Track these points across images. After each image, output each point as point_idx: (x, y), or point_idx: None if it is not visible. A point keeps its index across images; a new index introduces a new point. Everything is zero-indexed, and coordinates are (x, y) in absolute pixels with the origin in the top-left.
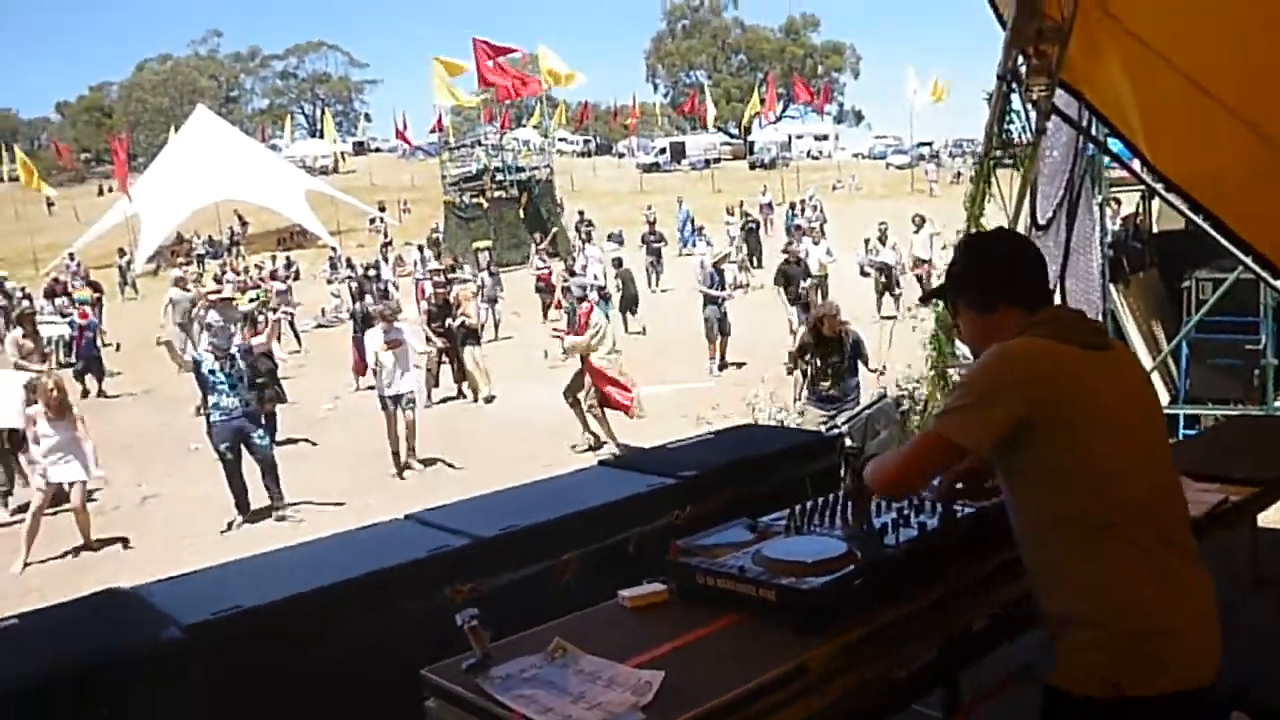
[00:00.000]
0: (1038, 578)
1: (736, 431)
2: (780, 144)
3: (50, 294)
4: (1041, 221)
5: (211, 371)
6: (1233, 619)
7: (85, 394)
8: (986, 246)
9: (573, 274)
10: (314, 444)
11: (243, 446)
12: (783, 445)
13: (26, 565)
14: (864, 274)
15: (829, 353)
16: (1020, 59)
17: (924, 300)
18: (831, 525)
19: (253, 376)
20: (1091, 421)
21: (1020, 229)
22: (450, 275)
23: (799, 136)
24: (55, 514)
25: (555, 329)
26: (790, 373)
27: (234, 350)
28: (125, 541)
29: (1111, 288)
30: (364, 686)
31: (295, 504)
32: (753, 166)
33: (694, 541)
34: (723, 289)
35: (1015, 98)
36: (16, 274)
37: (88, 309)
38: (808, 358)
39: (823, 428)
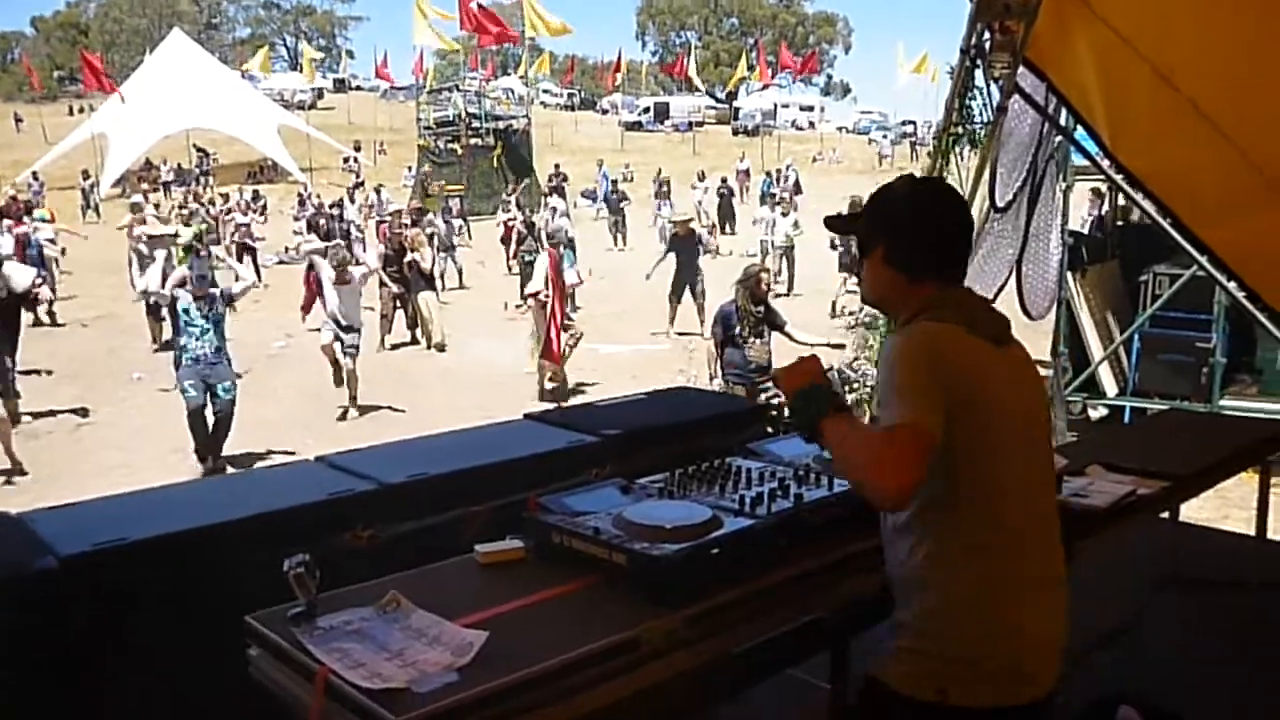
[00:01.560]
0: (892, 578)
1: (670, 394)
2: (765, 111)
3: (3, 213)
4: (1000, 204)
5: (186, 311)
6: (1139, 617)
7: (36, 321)
8: (939, 207)
9: (531, 226)
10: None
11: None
12: (713, 411)
13: None
14: (834, 247)
15: (759, 317)
16: (985, 34)
17: (829, 223)
18: (709, 492)
19: None
20: (989, 431)
21: (976, 209)
22: (417, 220)
23: (785, 106)
24: None
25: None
26: (717, 343)
27: (214, 291)
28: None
29: (1069, 276)
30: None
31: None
32: (735, 133)
33: (558, 499)
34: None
35: (979, 74)
36: None
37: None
38: (735, 321)
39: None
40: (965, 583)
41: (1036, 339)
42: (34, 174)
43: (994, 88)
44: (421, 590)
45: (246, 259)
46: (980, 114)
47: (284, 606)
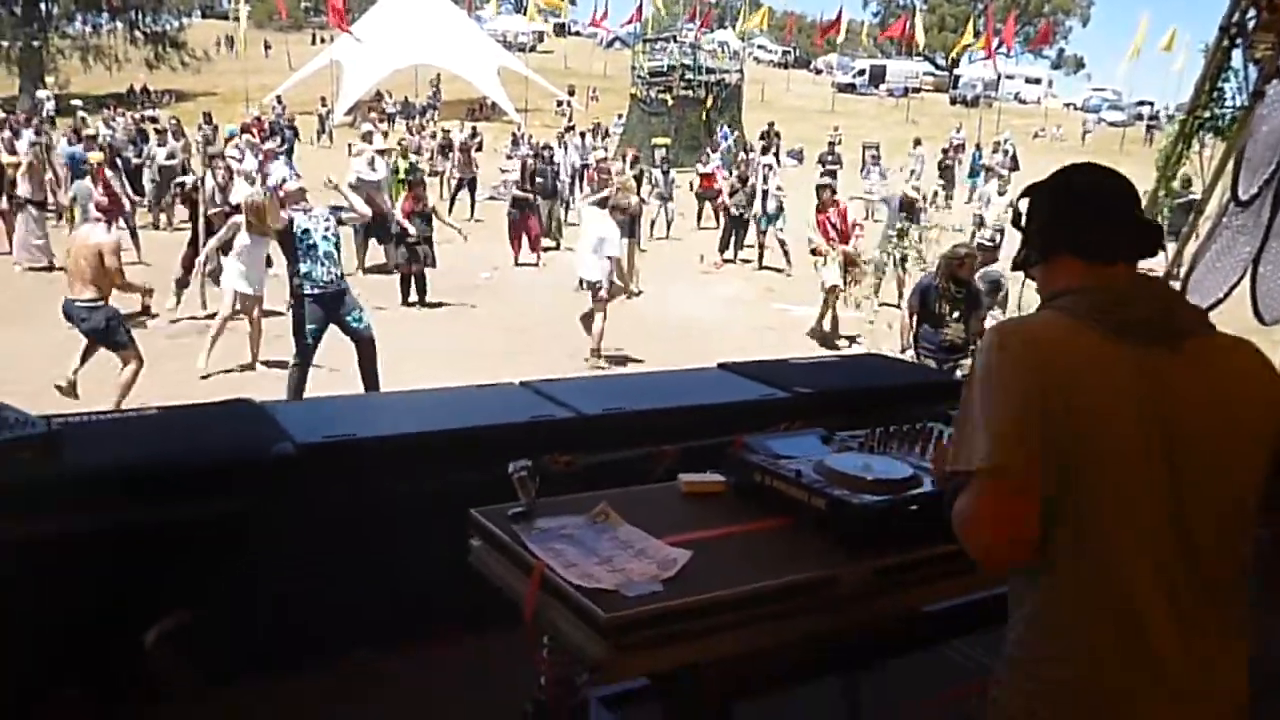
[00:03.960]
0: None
1: (864, 359)
2: (987, 82)
3: (244, 129)
4: (1244, 197)
5: (306, 232)
6: None
7: None
8: (1068, 177)
9: (745, 180)
10: (473, 307)
11: (335, 327)
12: (906, 380)
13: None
14: None
15: (957, 296)
16: (1250, 11)
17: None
18: (909, 452)
19: (403, 235)
20: (1099, 463)
21: (1215, 201)
22: (635, 171)
23: (1009, 77)
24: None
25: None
26: (911, 313)
27: (323, 209)
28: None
29: None
30: (446, 527)
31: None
32: (954, 101)
33: (762, 440)
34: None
35: (1237, 54)
36: (231, 110)
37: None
38: (932, 298)
39: None
40: (1060, 670)
41: (1269, 347)
42: (278, 98)
43: (1253, 69)
44: (628, 507)
45: (464, 192)
46: (1233, 98)
47: (504, 505)
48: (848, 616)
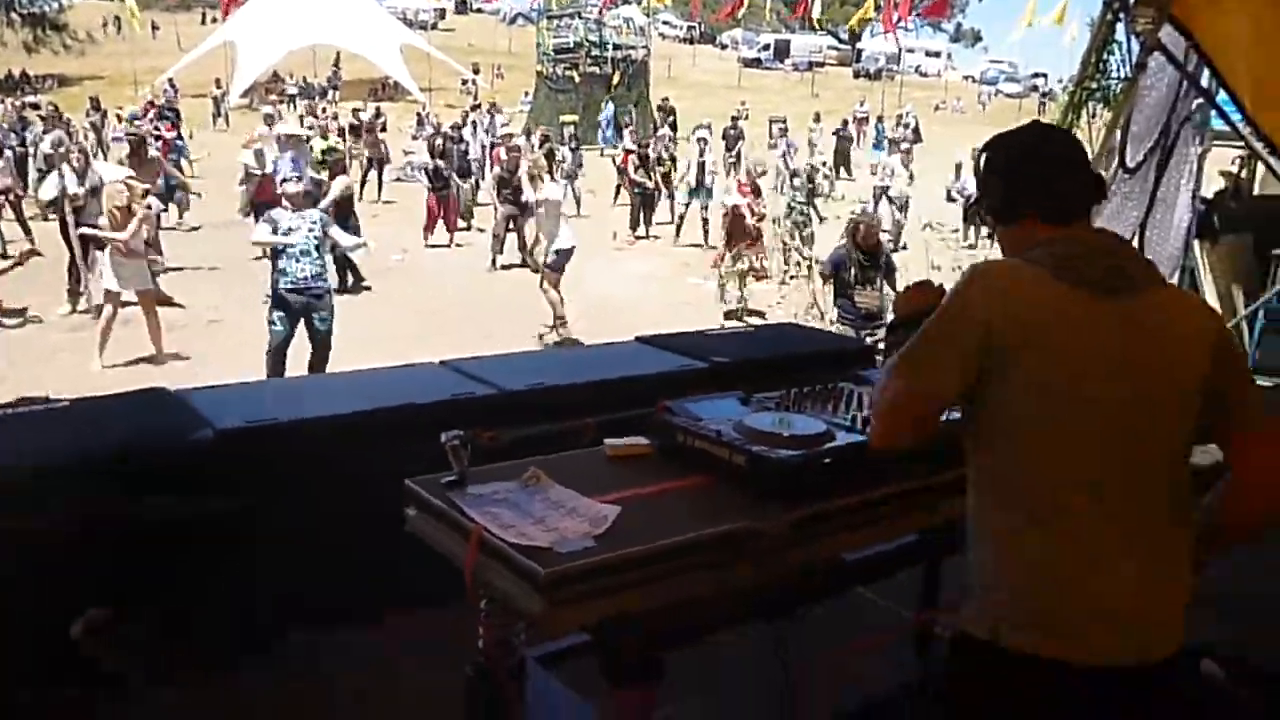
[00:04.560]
0: (968, 531)
1: (778, 328)
2: (889, 55)
3: (146, 111)
4: (1130, 165)
5: (289, 231)
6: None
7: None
8: (1009, 140)
9: (645, 159)
10: (370, 289)
11: (301, 322)
12: (819, 347)
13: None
14: (950, 199)
15: (866, 265)
16: None
17: (965, 214)
18: (823, 410)
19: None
20: (1046, 386)
21: (1105, 170)
22: (545, 150)
23: (910, 50)
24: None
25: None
26: (825, 281)
27: (315, 211)
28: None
29: (1196, 245)
30: (370, 506)
31: None
32: (857, 75)
33: (683, 404)
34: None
35: (1120, 27)
36: (117, 94)
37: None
38: (845, 268)
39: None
40: (1023, 539)
41: None
42: (169, 80)
43: (1135, 43)
44: (557, 472)
45: (373, 173)
46: (1118, 70)
47: (437, 475)
48: (770, 565)
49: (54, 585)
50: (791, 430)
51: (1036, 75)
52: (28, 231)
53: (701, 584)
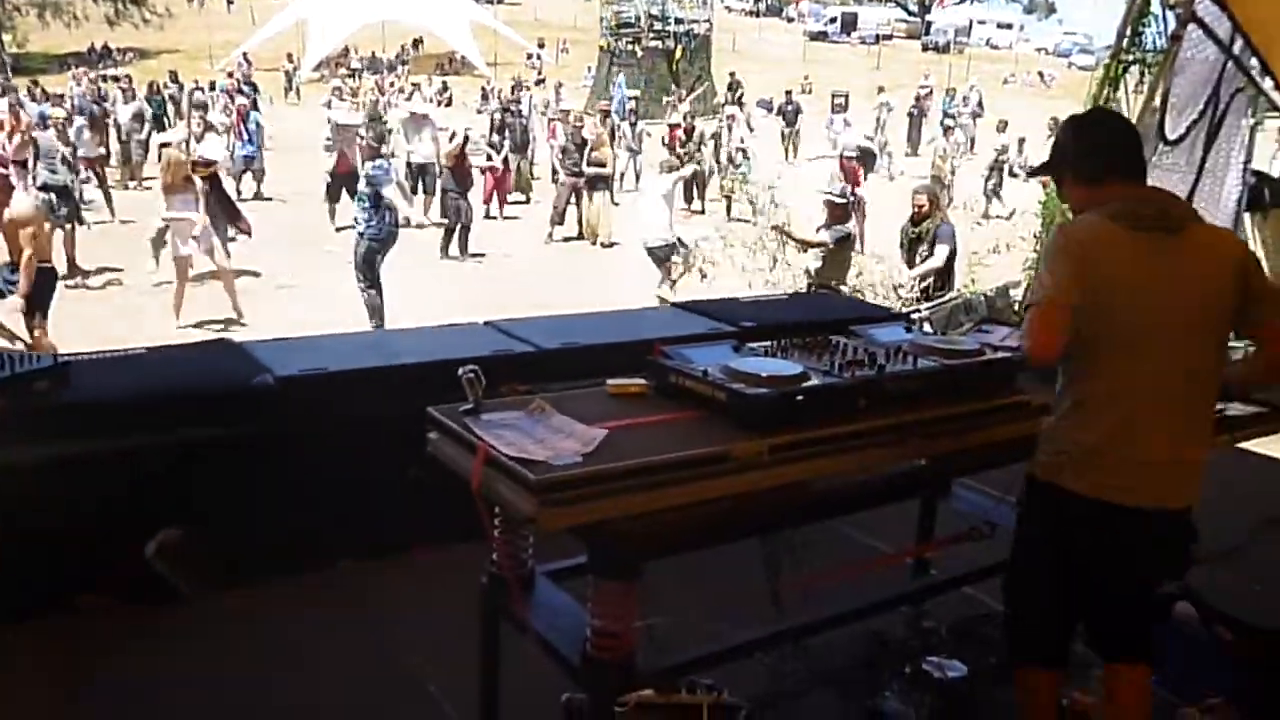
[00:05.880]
0: (1055, 403)
1: (811, 296)
2: (959, 28)
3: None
4: (1171, 136)
5: (372, 178)
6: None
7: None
8: (1093, 124)
9: (691, 131)
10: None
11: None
12: (849, 315)
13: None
14: (1012, 174)
15: (913, 239)
16: None
17: (1030, 174)
18: (807, 358)
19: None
20: (1119, 302)
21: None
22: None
23: (981, 22)
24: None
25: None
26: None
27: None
28: None
29: (1247, 218)
30: (413, 449)
31: None
32: (925, 48)
33: (678, 349)
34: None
35: (1155, 0)
36: (194, 67)
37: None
38: (902, 243)
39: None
40: (1088, 411)
41: None
42: (244, 55)
43: (1169, 15)
44: (561, 404)
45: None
46: (1153, 42)
47: (456, 404)
48: (744, 483)
49: (140, 503)
50: (769, 371)
51: (1109, 47)
52: (109, 200)
53: (677, 498)
